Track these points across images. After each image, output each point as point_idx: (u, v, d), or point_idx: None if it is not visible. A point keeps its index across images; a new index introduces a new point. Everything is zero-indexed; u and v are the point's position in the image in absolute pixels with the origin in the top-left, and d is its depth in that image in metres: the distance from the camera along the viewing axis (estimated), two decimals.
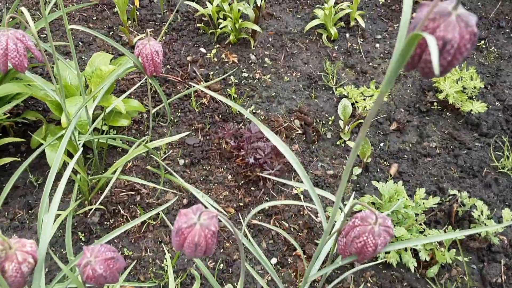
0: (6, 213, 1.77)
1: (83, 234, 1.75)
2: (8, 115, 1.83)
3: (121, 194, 1.87)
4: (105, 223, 1.80)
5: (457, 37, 0.56)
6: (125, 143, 1.90)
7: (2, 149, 1.89)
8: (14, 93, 1.73)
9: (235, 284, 1.78)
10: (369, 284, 1.82)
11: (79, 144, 1.54)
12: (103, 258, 0.87)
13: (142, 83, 2.29)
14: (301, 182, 2.10)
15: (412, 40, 0.57)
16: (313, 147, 2.23)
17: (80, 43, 2.38)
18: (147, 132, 2.11)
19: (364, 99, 2.32)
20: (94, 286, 0.90)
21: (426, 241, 0.97)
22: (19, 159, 1.83)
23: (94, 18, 2.53)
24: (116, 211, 1.83)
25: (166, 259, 1.77)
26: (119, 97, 1.85)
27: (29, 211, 1.78)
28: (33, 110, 1.92)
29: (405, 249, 1.82)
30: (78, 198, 1.73)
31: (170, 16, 2.59)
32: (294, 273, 1.83)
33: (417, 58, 0.61)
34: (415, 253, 1.86)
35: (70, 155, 1.82)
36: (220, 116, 2.26)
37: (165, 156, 2.06)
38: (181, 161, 2.06)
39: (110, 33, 2.47)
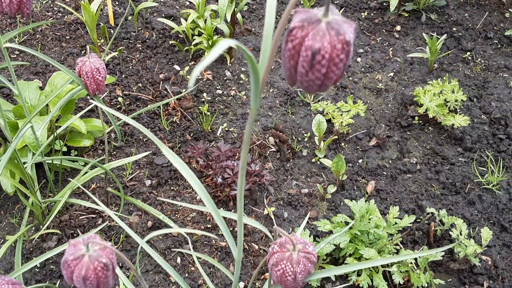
0: None
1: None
2: None
3: (80, 217, 1.81)
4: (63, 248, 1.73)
5: (328, 46, 0.50)
6: (85, 165, 1.84)
7: None
8: None
9: None
10: None
11: (26, 167, 1.48)
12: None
13: (111, 101, 2.24)
14: (274, 201, 2.03)
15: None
16: (288, 165, 2.15)
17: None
18: (113, 152, 2.06)
19: (341, 115, 2.24)
20: None
21: (369, 264, 0.88)
22: None
23: (68, 37, 2.51)
24: (75, 235, 1.76)
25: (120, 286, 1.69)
26: (84, 118, 1.81)
27: None
28: None
29: (377, 271, 1.72)
30: (32, 222, 1.67)
31: (145, 34, 2.55)
32: None
33: (294, 71, 0.55)
34: (389, 275, 1.76)
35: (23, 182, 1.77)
36: (191, 135, 2.20)
37: (131, 176, 2.00)
38: (148, 182, 2.00)
39: (82, 52, 2.44)
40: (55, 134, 1.55)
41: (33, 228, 1.72)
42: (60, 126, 1.67)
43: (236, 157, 2.06)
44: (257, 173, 1.97)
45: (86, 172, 1.71)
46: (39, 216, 1.63)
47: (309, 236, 1.85)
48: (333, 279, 1.72)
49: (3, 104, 1.80)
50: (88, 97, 2.23)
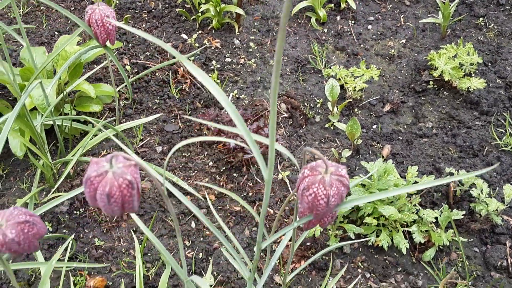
0: None
1: (50, 224, 1.64)
2: None
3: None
4: (75, 212, 1.70)
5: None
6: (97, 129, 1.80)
7: None
8: None
9: (214, 273, 1.65)
10: (359, 270, 1.68)
11: (36, 126, 1.44)
12: (16, 222, 0.76)
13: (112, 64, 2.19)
14: (288, 167, 1.98)
15: None
16: (301, 131, 2.11)
17: (56, 32, 2.30)
18: (122, 120, 2.01)
19: (354, 80, 2.19)
20: (10, 256, 0.79)
21: (399, 192, 0.84)
22: None
23: (72, 8, 2.46)
24: (86, 199, 1.72)
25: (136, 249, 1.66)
26: (93, 83, 1.76)
27: None
28: (1, 99, 1.84)
29: (397, 231, 1.67)
30: (43, 185, 1.63)
31: (151, 4, 2.50)
32: (278, 261, 1.70)
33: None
34: (409, 235, 1.72)
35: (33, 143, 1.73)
36: (201, 102, 2.15)
37: (142, 143, 1.96)
38: (159, 148, 1.95)
39: None
40: (64, 93, 1.51)
41: (44, 192, 1.69)
42: (64, 92, 1.62)
43: (249, 122, 2.02)
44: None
45: (95, 135, 1.67)
46: (50, 179, 1.59)
47: None
48: (352, 237, 1.67)
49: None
50: (95, 66, 2.18)
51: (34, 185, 1.51)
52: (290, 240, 1.75)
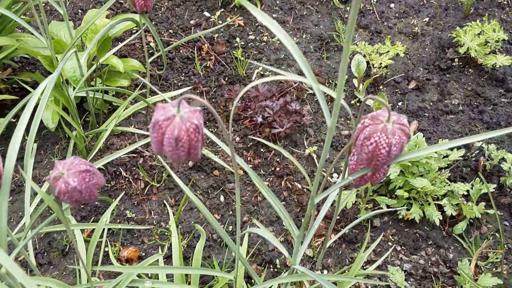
0: None
1: None
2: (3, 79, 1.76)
3: (122, 156, 1.77)
4: (106, 185, 1.70)
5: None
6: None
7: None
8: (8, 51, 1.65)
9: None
10: (390, 243, 1.68)
11: (72, 95, 1.44)
12: (77, 171, 0.76)
13: (143, 41, 2.19)
14: (314, 143, 1.98)
15: None
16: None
17: (80, 10, 2.30)
18: (149, 96, 2.01)
19: (380, 56, 2.17)
20: (71, 207, 0.80)
21: (443, 147, 0.83)
22: (13, 120, 1.74)
23: None
24: (118, 172, 1.73)
25: (170, 219, 1.66)
26: (120, 58, 1.76)
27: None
28: (28, 71, 1.84)
29: (428, 204, 1.67)
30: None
31: None
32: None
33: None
34: (439, 209, 1.71)
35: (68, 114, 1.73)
36: (226, 79, 2.15)
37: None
38: None
39: None
40: (98, 64, 1.51)
41: None
42: (97, 63, 1.62)
43: (274, 99, 2.01)
44: (298, 112, 1.92)
45: (126, 108, 1.67)
46: (82, 151, 1.59)
47: None
48: (384, 208, 1.67)
49: (38, 43, 1.75)
50: (119, 43, 2.18)
51: (68, 156, 1.52)
52: (333, 204, 1.75)
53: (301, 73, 2.22)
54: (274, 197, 0.98)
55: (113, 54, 1.78)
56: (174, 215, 1.69)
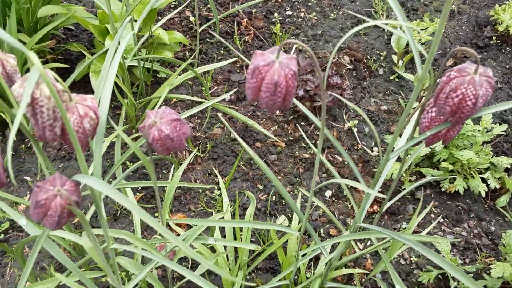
0: (52, 145, 1.72)
1: (130, 164, 1.69)
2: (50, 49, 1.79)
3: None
4: (154, 153, 1.74)
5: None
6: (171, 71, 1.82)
7: None
8: (57, 23, 1.67)
9: (289, 215, 1.68)
10: (432, 215, 1.70)
11: (126, 62, 1.47)
12: (169, 119, 0.79)
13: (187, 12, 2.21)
14: (353, 117, 1.99)
15: None
16: (365, 83, 2.10)
17: None
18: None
19: (419, 32, 2.17)
20: (158, 159, 0.82)
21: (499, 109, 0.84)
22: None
23: None
24: None
25: (217, 188, 1.70)
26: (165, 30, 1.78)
27: None
28: (75, 42, 1.87)
29: (472, 177, 1.68)
30: (124, 124, 1.67)
31: None
32: (350, 205, 1.72)
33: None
34: (482, 182, 1.72)
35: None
36: None
37: (210, 92, 1.98)
38: (227, 97, 1.98)
39: None
40: (150, 32, 1.53)
41: (123, 128, 1.73)
42: (144, 35, 1.64)
43: (314, 72, 2.02)
44: (339, 86, 1.93)
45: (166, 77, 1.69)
46: (133, 119, 1.62)
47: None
48: (430, 179, 1.68)
49: (84, 13, 1.78)
50: (159, 17, 2.20)
51: (120, 123, 1.55)
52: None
53: (338, 49, 2.22)
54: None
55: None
56: (218, 184, 1.72)
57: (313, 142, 1.89)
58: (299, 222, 1.64)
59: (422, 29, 2.18)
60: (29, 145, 1.69)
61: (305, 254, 1.18)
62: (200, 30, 1.77)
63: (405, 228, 1.67)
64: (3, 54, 0.92)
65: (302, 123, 1.94)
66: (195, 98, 1.52)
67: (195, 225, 1.18)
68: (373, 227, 0.98)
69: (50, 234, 1.06)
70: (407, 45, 2.21)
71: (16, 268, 1.41)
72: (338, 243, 1.32)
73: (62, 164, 1.68)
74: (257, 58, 0.70)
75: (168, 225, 1.57)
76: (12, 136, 0.57)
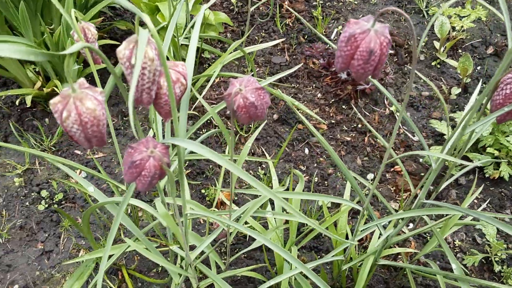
0: (147, 106, 1.75)
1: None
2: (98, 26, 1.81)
3: (211, 105, 1.82)
4: (198, 132, 1.76)
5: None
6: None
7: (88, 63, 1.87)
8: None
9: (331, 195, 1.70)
10: (476, 201, 1.70)
11: (180, 40, 1.49)
12: (254, 88, 0.80)
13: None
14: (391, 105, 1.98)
15: None
16: (406, 69, 2.10)
17: None
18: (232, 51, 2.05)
19: (461, 19, 2.15)
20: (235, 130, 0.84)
21: None
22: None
23: None
24: (208, 121, 1.78)
25: (260, 168, 1.71)
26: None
27: (123, 118, 1.76)
28: (123, 20, 1.89)
29: None
30: None
31: None
32: (394, 188, 1.73)
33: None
34: None
35: None
36: (305, 37, 2.16)
37: (252, 74, 1.99)
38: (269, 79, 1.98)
39: None
40: (203, 12, 1.54)
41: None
42: (192, 15, 1.66)
43: None
44: (383, 69, 1.93)
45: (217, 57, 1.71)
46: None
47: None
48: (478, 164, 1.68)
49: None
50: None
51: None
52: (415, 160, 1.77)
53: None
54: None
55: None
56: (261, 164, 1.74)
57: (355, 126, 1.90)
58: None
59: (463, 16, 2.17)
60: None
61: (363, 229, 1.19)
62: (246, 11, 1.78)
63: (447, 215, 1.67)
64: (85, 23, 0.94)
65: (343, 107, 1.95)
66: (240, 75, 1.53)
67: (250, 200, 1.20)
68: (442, 204, 0.99)
69: (113, 201, 1.08)
70: (449, 31, 2.20)
71: (74, 237, 1.45)
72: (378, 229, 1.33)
73: (110, 140, 1.71)
74: (351, 26, 0.71)
75: (219, 203, 1.60)
76: (131, 94, 0.59)
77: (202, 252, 1.22)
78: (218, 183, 1.29)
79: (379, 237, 1.35)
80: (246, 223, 1.34)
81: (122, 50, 0.69)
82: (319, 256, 1.54)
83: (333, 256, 1.21)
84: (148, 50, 0.69)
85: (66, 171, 1.10)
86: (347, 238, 1.38)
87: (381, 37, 0.70)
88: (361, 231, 1.17)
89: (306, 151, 1.81)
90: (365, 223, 1.54)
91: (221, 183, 1.34)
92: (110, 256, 1.17)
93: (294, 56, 2.09)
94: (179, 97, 0.78)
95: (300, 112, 1.91)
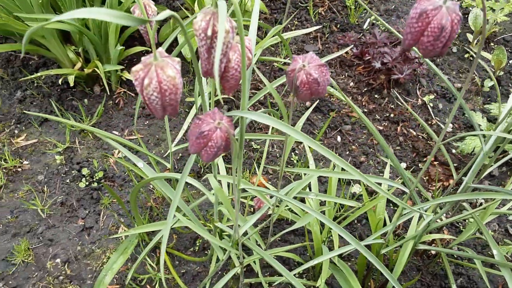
0: (136, 102, 1.78)
1: None
2: None
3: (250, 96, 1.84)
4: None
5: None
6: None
7: (128, 44, 1.90)
8: None
9: (363, 184, 1.71)
10: None
11: None
12: (317, 64, 0.81)
13: None
14: (427, 93, 1.98)
15: None
16: (438, 60, 2.09)
17: None
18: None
19: (493, 11, 2.14)
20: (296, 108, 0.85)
21: None
22: (149, 49, 1.82)
23: None
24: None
25: (294, 154, 1.73)
26: None
27: None
28: (161, 4, 1.91)
29: None
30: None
31: None
32: (426, 178, 1.73)
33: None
34: None
35: None
36: (337, 26, 2.16)
37: (284, 62, 2.00)
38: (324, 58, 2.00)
39: None
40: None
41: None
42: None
43: (387, 47, 2.02)
44: (417, 60, 1.93)
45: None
46: (214, 85, 1.66)
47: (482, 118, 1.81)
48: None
49: None
50: None
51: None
52: (449, 151, 1.77)
53: None
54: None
55: None
56: (294, 150, 1.75)
57: (387, 115, 1.90)
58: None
59: (495, 10, 2.15)
60: (116, 101, 1.75)
61: (405, 213, 1.20)
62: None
63: (481, 204, 1.68)
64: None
65: (376, 96, 1.95)
66: (278, 59, 1.54)
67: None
68: (489, 187, 1.00)
69: (162, 176, 1.11)
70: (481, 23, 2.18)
71: (116, 214, 1.48)
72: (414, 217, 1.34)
73: (147, 122, 1.73)
74: (422, 2, 0.72)
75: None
76: (216, 67, 0.60)
77: (245, 233, 1.24)
78: (260, 167, 1.30)
79: (417, 222, 1.36)
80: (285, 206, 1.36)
81: (199, 22, 0.71)
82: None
83: (373, 239, 1.23)
84: (224, 22, 0.70)
85: (116, 146, 1.13)
86: (384, 223, 1.39)
87: (452, 14, 0.71)
88: (404, 214, 1.18)
89: (339, 138, 1.82)
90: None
91: (262, 167, 1.35)
92: (152, 233, 1.19)
93: (326, 45, 2.09)
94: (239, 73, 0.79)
95: (333, 99, 1.92)
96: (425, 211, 1.25)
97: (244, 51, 0.71)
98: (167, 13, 0.64)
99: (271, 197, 1.19)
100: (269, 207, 1.16)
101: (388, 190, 1.40)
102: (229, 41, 0.72)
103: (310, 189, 1.50)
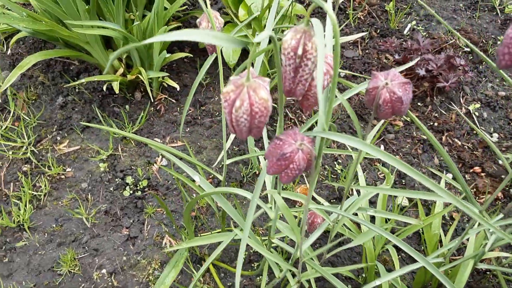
0: (178, 109, 1.75)
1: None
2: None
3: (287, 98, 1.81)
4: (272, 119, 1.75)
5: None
6: None
7: (167, 50, 1.87)
8: None
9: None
10: None
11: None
12: (401, 82, 0.78)
13: None
14: (471, 101, 1.93)
15: None
16: (481, 67, 2.04)
17: None
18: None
19: None
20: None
21: None
22: (190, 55, 1.80)
23: None
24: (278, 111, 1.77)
25: (337, 163, 1.69)
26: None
27: (201, 107, 1.76)
28: (196, 9, 1.89)
29: None
30: None
31: None
32: (474, 190, 1.68)
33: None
34: None
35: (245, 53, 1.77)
36: (377, 32, 2.12)
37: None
38: (342, 73, 1.96)
39: None
40: (291, 4, 1.52)
41: None
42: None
43: (431, 53, 1.97)
44: (463, 67, 1.88)
45: None
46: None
47: None
48: None
49: None
50: None
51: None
52: (495, 162, 1.71)
53: (448, 32, 2.16)
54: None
55: None
56: (336, 159, 1.71)
57: (431, 124, 1.85)
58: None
59: None
60: (158, 108, 1.73)
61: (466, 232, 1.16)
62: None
63: None
64: (213, 11, 0.93)
65: (419, 104, 1.90)
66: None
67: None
68: None
69: (220, 191, 1.08)
70: None
71: (162, 223, 1.46)
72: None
73: (188, 129, 1.71)
74: None
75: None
76: (319, 88, 0.57)
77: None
78: (313, 181, 1.27)
79: (475, 240, 1.31)
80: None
81: (288, 40, 0.68)
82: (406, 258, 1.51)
83: (433, 258, 1.18)
84: (315, 40, 0.67)
85: (169, 157, 1.10)
86: (440, 240, 1.35)
87: None
88: (465, 232, 1.14)
89: (382, 147, 1.78)
90: (456, 228, 1.51)
91: (315, 181, 1.31)
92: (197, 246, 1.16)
93: (366, 51, 2.05)
94: (324, 88, 0.76)
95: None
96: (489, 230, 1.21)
97: (321, 70, 0.68)
98: (266, 34, 0.61)
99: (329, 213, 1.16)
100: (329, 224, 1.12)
101: (447, 207, 1.36)
102: (316, 60, 0.69)
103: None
